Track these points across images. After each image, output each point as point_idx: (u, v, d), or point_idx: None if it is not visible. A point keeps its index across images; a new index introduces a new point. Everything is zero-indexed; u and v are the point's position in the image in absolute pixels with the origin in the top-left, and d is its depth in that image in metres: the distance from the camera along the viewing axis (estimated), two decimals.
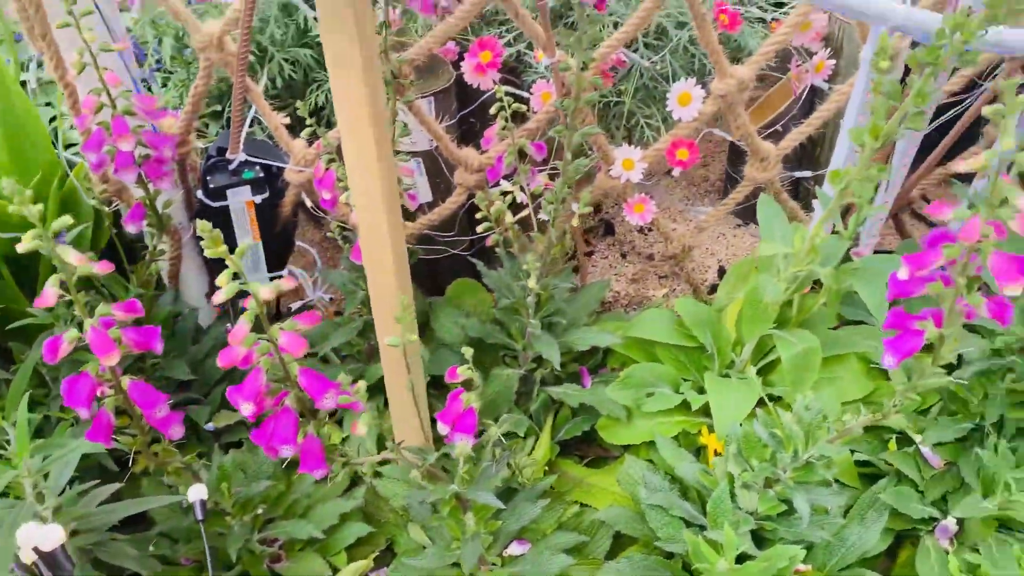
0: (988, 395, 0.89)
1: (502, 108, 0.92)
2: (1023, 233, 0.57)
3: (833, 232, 0.94)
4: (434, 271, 1.23)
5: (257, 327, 0.62)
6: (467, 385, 0.74)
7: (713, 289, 1.28)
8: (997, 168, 0.55)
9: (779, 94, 1.14)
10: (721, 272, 1.30)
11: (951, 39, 0.64)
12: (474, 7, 0.86)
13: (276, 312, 1.22)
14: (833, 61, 1.06)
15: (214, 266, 1.11)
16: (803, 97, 1.11)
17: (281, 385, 0.65)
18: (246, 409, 0.61)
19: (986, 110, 0.55)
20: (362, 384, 0.67)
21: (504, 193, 0.99)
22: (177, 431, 0.71)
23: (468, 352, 0.72)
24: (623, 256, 1.33)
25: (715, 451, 0.92)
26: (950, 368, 0.94)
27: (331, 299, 1.18)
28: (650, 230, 1.35)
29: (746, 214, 1.37)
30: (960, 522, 0.88)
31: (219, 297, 0.58)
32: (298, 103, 0.88)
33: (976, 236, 0.56)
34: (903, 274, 0.61)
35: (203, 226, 0.55)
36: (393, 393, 0.87)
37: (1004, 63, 1.08)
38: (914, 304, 0.68)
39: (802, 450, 0.78)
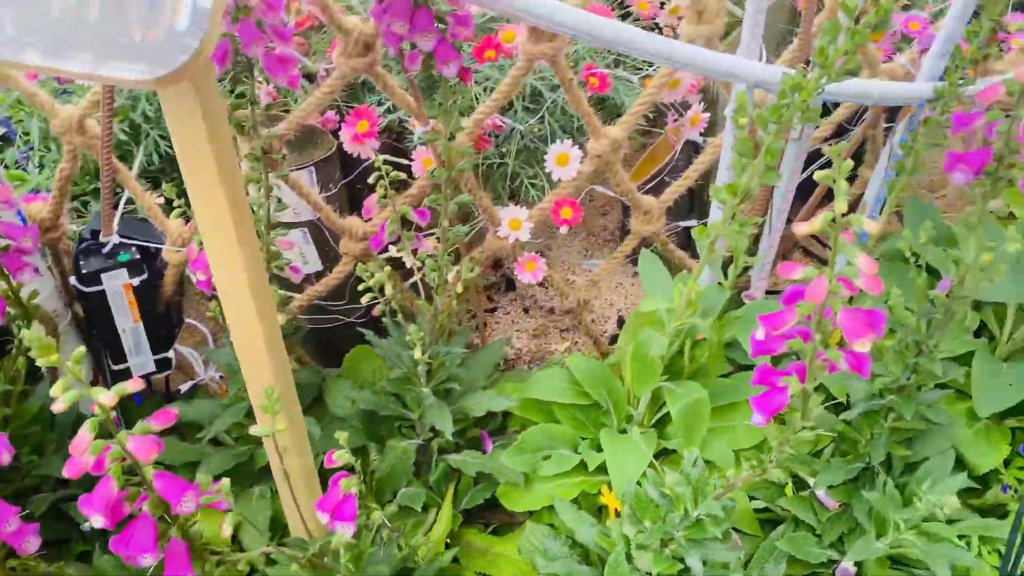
0: (874, 435, 0.91)
1: (381, 177, 0.91)
2: (871, 290, 0.58)
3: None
4: (332, 340, 1.20)
5: (107, 431, 0.59)
6: (347, 469, 0.72)
7: (614, 339, 1.28)
8: (837, 228, 0.56)
9: (661, 148, 1.16)
10: (620, 322, 1.31)
11: (792, 98, 0.66)
12: (340, 80, 0.85)
13: (166, 393, 1.17)
14: (708, 114, 1.09)
15: (101, 349, 1.06)
16: (679, 150, 1.14)
17: (139, 489, 0.62)
18: (97, 522, 0.58)
19: (818, 175, 0.56)
20: (225, 482, 0.64)
21: (391, 260, 0.98)
22: (32, 544, 0.67)
23: (343, 437, 0.69)
24: (525, 311, 1.33)
25: (615, 510, 0.91)
26: (840, 409, 0.96)
27: (222, 377, 1.14)
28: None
29: None
30: (858, 563, 0.88)
31: (58, 406, 0.55)
32: (165, 185, 0.85)
33: (823, 296, 0.57)
34: (760, 335, 0.61)
35: (31, 336, 0.52)
36: (278, 479, 0.84)
37: (868, 109, 1.12)
38: (782, 358, 0.69)
39: (692, 508, 0.77)
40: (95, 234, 0.99)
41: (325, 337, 1.19)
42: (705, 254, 0.80)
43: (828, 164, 1.10)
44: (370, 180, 0.92)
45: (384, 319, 0.95)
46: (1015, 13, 1.24)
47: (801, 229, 0.57)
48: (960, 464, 0.95)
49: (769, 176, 0.71)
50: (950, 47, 0.93)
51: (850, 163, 0.54)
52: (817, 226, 0.55)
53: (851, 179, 1.24)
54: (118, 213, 0.99)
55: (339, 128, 1.01)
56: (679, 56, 0.82)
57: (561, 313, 1.13)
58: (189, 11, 0.49)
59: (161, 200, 0.99)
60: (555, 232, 1.47)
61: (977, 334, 1.10)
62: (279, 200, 0.91)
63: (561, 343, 1.26)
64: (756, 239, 1.20)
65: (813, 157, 1.22)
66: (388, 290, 0.88)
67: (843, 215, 0.54)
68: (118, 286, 1.00)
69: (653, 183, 1.24)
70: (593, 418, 0.99)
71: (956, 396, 1.00)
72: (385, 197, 0.92)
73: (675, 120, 1.10)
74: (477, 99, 1.01)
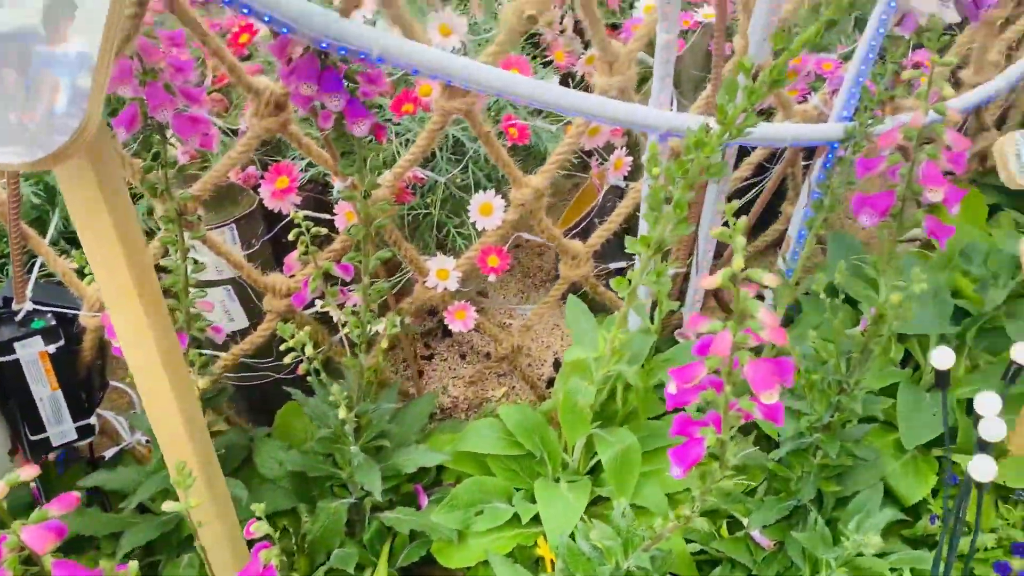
0: (804, 472, 0.91)
1: (301, 234, 0.90)
2: (778, 342, 0.58)
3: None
4: (265, 397, 1.17)
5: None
6: (268, 539, 0.70)
7: (551, 383, 1.28)
8: (738, 283, 0.56)
9: (587, 192, 1.17)
10: (557, 364, 1.30)
11: (696, 153, 0.66)
12: (254, 140, 0.84)
13: (91, 459, 1.13)
14: (631, 158, 1.10)
15: (18, 419, 1.03)
16: (607, 193, 1.15)
17: None
18: None
19: (713, 232, 0.56)
20: (133, 565, 0.61)
21: (322, 314, 0.97)
22: None
23: (259, 508, 0.67)
24: (463, 357, 1.32)
25: (551, 562, 0.90)
26: (772, 447, 0.96)
27: (148, 441, 1.11)
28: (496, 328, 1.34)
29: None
30: None
31: None
32: (75, 252, 0.83)
33: (727, 351, 0.57)
34: (672, 388, 0.61)
35: None
36: (200, 550, 0.81)
37: (786, 150, 1.14)
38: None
39: (622, 560, 0.77)
40: (7, 301, 0.96)
41: (257, 394, 1.17)
42: (625, 306, 0.80)
43: (752, 200, 1.12)
44: (290, 237, 0.91)
45: (309, 378, 0.93)
46: (919, 50, 1.28)
47: (704, 284, 0.57)
48: (890, 496, 0.96)
49: (681, 228, 0.72)
50: (858, 88, 0.96)
51: (745, 220, 0.55)
52: (718, 281, 0.56)
53: (775, 215, 1.26)
54: (31, 279, 0.96)
55: (259, 184, 1.00)
56: (592, 109, 0.83)
57: (497, 359, 1.13)
58: (68, 92, 0.48)
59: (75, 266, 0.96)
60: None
61: (904, 363, 1.12)
62: (195, 262, 0.89)
63: (499, 388, 1.25)
64: (687, 275, 1.22)
65: (746, 188, 1.24)
66: (309, 350, 0.86)
67: (735, 273, 0.55)
68: (33, 354, 0.97)
69: (582, 225, 1.25)
70: (528, 468, 0.98)
71: (884, 428, 1.02)
72: (306, 254, 0.91)
73: (599, 165, 1.11)
74: (399, 152, 1.01)
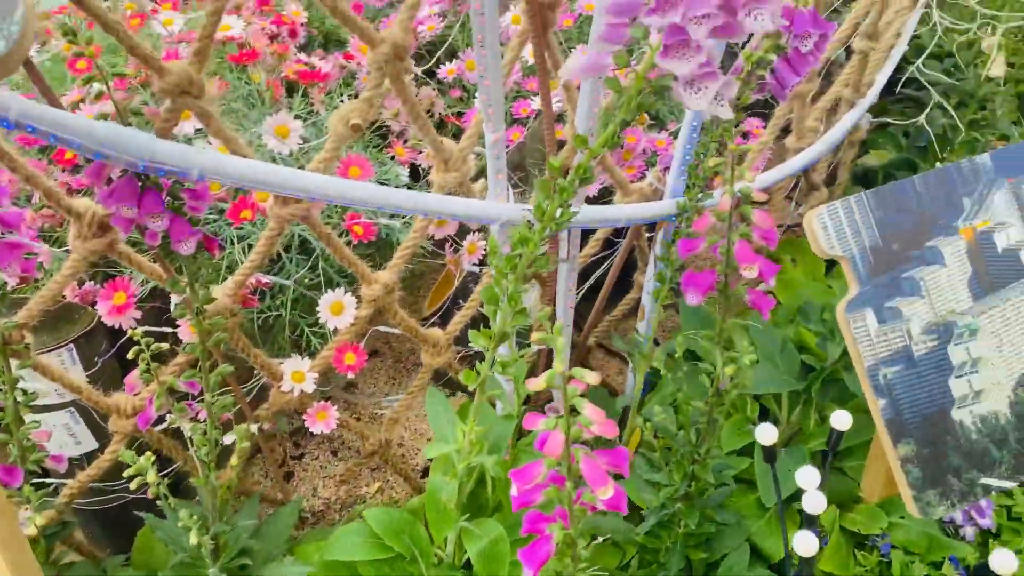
0: (671, 543, 0.93)
1: (142, 351, 0.86)
2: (606, 435, 0.59)
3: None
4: (122, 520, 1.11)
5: None
6: None
7: (427, 472, 1.26)
8: (562, 383, 0.57)
9: (446, 278, 1.18)
10: None
11: (522, 249, 0.68)
12: (81, 263, 0.81)
13: None
14: (484, 242, 1.12)
15: None
16: (466, 276, 1.16)
17: None
18: None
19: (534, 336, 0.58)
20: None
21: (167, 432, 0.93)
22: None
23: None
24: (334, 454, 1.29)
25: None
26: (638, 520, 0.98)
27: None
28: (358, 419, 1.32)
29: (451, 386, 1.38)
30: None
31: None
32: None
33: (559, 450, 0.58)
34: (514, 491, 0.61)
35: None
36: None
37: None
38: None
39: None
40: None
41: (113, 517, 1.10)
42: (476, 399, 0.80)
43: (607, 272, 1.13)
44: (129, 355, 0.87)
45: (159, 502, 0.88)
46: (751, 118, 1.37)
47: (531, 386, 0.58)
48: (758, 555, 0.99)
49: (519, 318, 0.73)
50: (686, 165, 1.01)
51: (560, 324, 0.56)
52: (543, 383, 0.57)
53: (629, 284, 1.30)
54: None
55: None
56: (431, 207, 0.84)
57: (367, 455, 1.11)
58: None
59: None
60: None
61: (764, 416, 1.17)
62: (25, 392, 0.84)
63: (372, 484, 1.22)
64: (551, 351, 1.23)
65: (600, 260, 1.28)
66: (151, 476, 0.82)
67: (564, 372, 0.56)
68: None
69: (443, 308, 1.26)
70: (400, 569, 0.95)
71: (746, 487, 1.05)
72: (148, 371, 0.87)
73: (453, 250, 1.12)
74: (242, 256, 0.99)
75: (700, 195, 0.99)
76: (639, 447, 1.07)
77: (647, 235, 1.21)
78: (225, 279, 0.96)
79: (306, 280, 0.97)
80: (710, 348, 0.80)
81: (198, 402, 0.93)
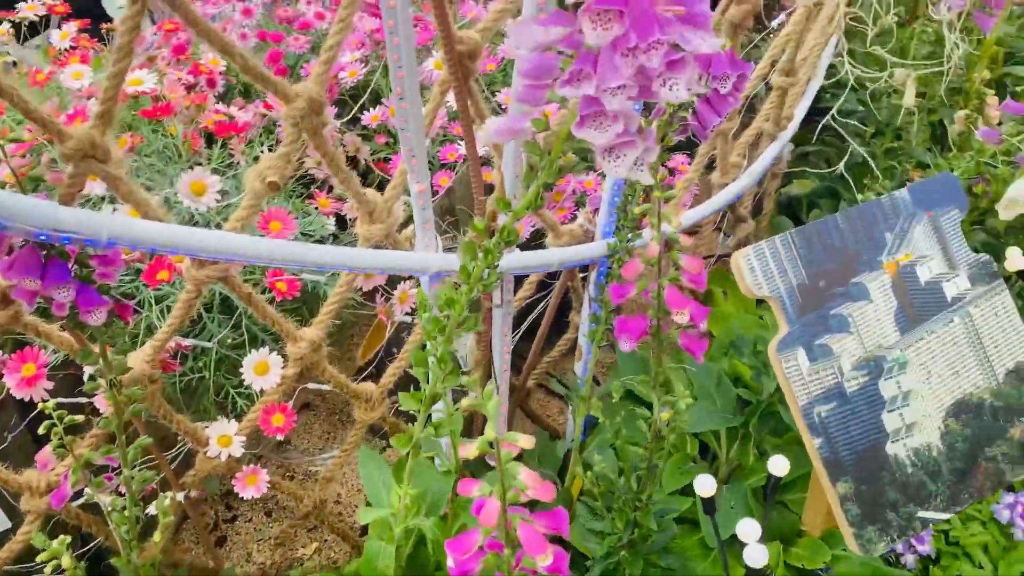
0: None
1: (54, 425, 0.81)
2: (541, 497, 0.58)
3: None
4: None
5: None
6: None
7: (365, 530, 1.22)
8: (497, 448, 0.55)
9: (378, 329, 1.15)
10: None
11: (452, 312, 0.66)
12: None
13: None
14: (416, 290, 1.10)
15: None
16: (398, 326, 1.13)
17: None
18: None
19: (465, 403, 0.56)
20: None
21: (85, 507, 0.87)
22: None
23: None
24: (268, 515, 1.24)
25: None
26: (584, 569, 0.96)
27: None
28: (291, 478, 1.27)
29: (388, 438, 1.35)
30: None
31: None
32: None
33: (495, 520, 0.56)
34: (451, 562, 0.59)
35: None
36: None
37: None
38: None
39: None
40: None
41: None
42: (409, 461, 0.77)
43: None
44: (40, 430, 0.82)
45: None
46: (676, 154, 1.39)
47: (462, 454, 0.56)
48: None
49: (451, 380, 0.71)
50: (614, 206, 1.01)
51: (491, 388, 0.55)
52: (474, 451, 0.55)
53: (565, 324, 1.29)
54: None
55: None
56: (357, 262, 0.82)
57: (301, 516, 1.06)
58: None
59: None
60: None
61: (704, 452, 1.16)
62: None
63: (309, 545, 1.18)
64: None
65: (536, 303, 1.27)
66: (66, 561, 0.77)
67: (493, 441, 0.54)
68: None
69: (377, 358, 1.23)
70: None
71: (690, 527, 1.04)
72: (62, 446, 0.82)
73: (384, 300, 1.10)
74: (161, 317, 0.95)
75: (630, 235, 0.99)
76: (581, 494, 1.06)
77: (581, 275, 1.21)
78: (143, 343, 0.92)
79: (229, 340, 0.93)
80: (647, 392, 0.80)
81: (118, 475, 0.88)
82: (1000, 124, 1.38)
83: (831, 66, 1.50)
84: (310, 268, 0.80)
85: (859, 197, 1.28)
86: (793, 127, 1.39)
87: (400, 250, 0.91)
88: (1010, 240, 1.22)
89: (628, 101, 0.46)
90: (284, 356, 0.93)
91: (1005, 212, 0.98)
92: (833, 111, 1.28)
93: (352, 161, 1.27)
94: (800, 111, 1.40)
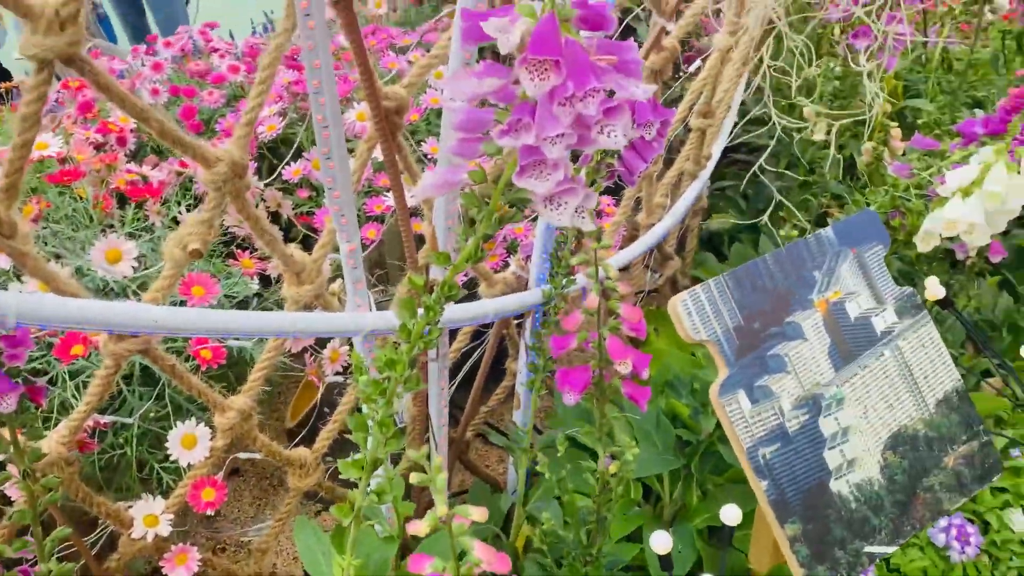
0: None
1: None
2: (500, 572, 0.56)
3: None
4: None
5: None
6: None
7: None
8: (448, 522, 0.53)
9: (307, 388, 1.11)
10: None
11: (390, 372, 0.64)
12: None
13: None
14: (346, 347, 1.07)
15: None
16: (328, 386, 1.10)
17: None
18: None
19: (415, 479, 0.54)
20: None
21: None
22: None
23: None
24: None
25: None
26: None
27: None
28: (223, 549, 1.21)
29: (325, 502, 1.30)
30: None
31: None
32: None
33: None
34: None
35: None
36: None
37: None
38: None
39: None
40: None
41: None
42: (351, 531, 0.74)
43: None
44: None
45: None
46: (601, 196, 1.40)
47: (411, 530, 0.53)
48: None
49: (392, 444, 0.68)
50: (547, 254, 1.00)
51: (439, 461, 0.53)
52: (425, 528, 0.52)
53: (502, 372, 1.28)
54: None
55: None
56: (285, 327, 0.79)
57: None
58: None
59: None
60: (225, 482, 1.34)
61: (647, 495, 1.16)
62: None
63: None
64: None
65: (471, 351, 1.25)
66: None
67: (448, 513, 0.52)
68: None
69: (310, 419, 1.19)
70: None
71: (640, 573, 1.03)
72: None
73: (313, 359, 1.06)
74: (77, 395, 0.89)
75: (564, 282, 0.99)
76: (527, 549, 1.04)
77: (516, 322, 1.20)
78: (57, 423, 0.86)
79: (151, 413, 0.88)
80: (593, 442, 0.78)
81: (34, 567, 0.82)
82: (904, 154, 1.44)
83: (742, 103, 1.54)
84: (243, 336, 0.76)
85: (780, 233, 1.31)
86: (711, 165, 1.42)
87: (330, 310, 0.88)
88: (923, 268, 1.26)
89: (566, 150, 0.46)
90: (212, 427, 0.89)
91: (922, 245, 1.01)
92: (760, 161, 1.31)
93: (274, 216, 1.24)
94: (717, 149, 1.43)
